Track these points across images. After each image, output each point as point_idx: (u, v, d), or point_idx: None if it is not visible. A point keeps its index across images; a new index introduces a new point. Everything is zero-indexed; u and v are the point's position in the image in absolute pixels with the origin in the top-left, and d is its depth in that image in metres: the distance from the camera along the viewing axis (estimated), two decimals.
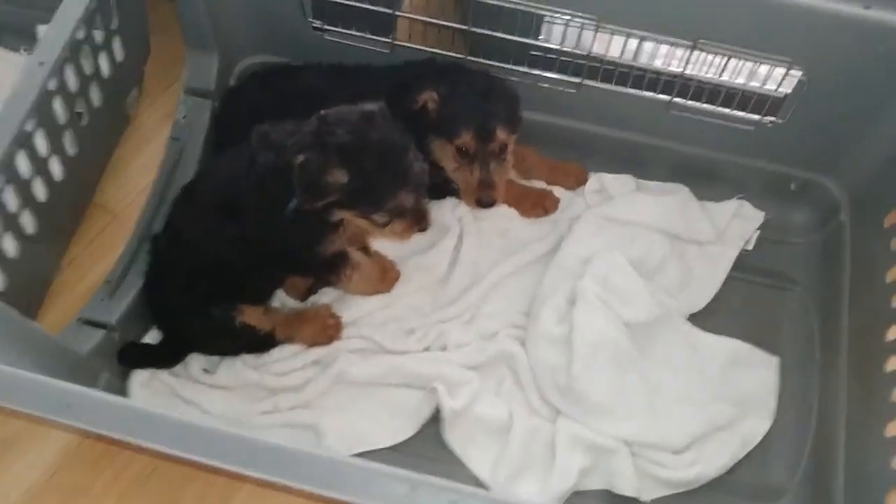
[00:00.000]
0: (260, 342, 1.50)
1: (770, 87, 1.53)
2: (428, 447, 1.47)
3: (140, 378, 1.48)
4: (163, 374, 1.50)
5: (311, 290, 1.59)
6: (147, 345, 1.49)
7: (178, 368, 1.51)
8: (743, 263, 1.67)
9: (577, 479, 1.42)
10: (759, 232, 1.70)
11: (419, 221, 1.37)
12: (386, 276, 1.59)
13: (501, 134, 1.52)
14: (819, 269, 1.66)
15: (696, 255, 1.67)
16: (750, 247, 1.70)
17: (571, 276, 1.58)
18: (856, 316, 1.53)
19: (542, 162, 1.72)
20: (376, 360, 1.51)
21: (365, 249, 1.63)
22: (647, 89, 1.60)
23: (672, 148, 1.69)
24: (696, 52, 1.49)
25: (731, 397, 1.52)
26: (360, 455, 1.45)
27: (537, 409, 1.50)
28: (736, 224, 1.70)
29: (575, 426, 1.46)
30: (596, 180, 1.71)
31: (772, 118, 1.58)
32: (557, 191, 1.72)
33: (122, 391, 1.45)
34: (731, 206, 1.71)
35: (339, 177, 1.24)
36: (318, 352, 1.52)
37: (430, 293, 1.61)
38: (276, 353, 1.52)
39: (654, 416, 1.47)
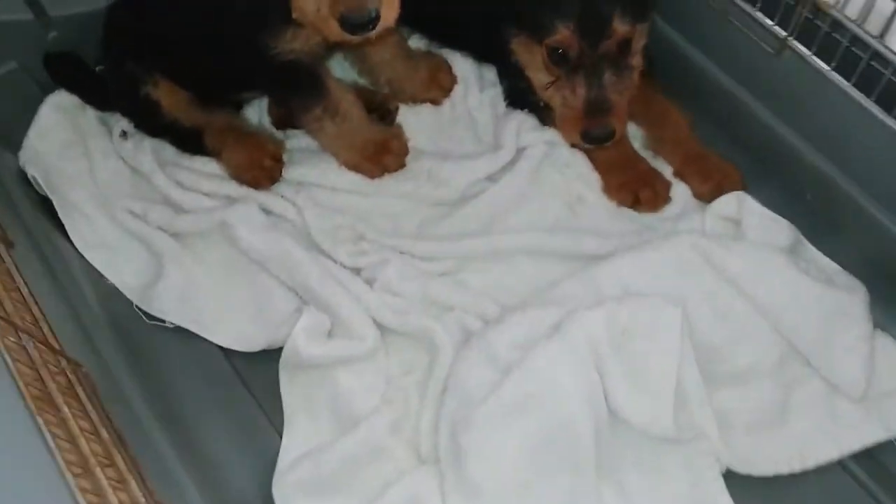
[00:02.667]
0: (182, 135, 1.15)
1: None
2: (262, 378, 1.03)
3: (59, 100, 1.20)
4: (91, 112, 1.21)
5: (290, 122, 1.17)
6: (85, 67, 1.19)
7: (109, 117, 1.21)
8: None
9: None
10: None
11: None
12: (381, 158, 1.13)
13: (621, 25, 0.97)
14: None
15: (817, 397, 0.97)
16: None
17: (591, 300, 0.99)
18: None
19: (685, 139, 1.11)
20: (279, 239, 1.07)
21: (386, 114, 1.17)
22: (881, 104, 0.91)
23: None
24: None
25: None
26: (184, 331, 1.05)
27: (422, 433, 0.98)
28: None
29: (425, 486, 0.92)
30: (735, 202, 1.05)
31: None
32: (680, 189, 1.10)
33: (24, 89, 1.18)
34: None
35: None
36: (236, 187, 1.13)
37: (423, 214, 1.12)
38: (198, 162, 1.16)
39: None
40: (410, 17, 1.20)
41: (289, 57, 0.99)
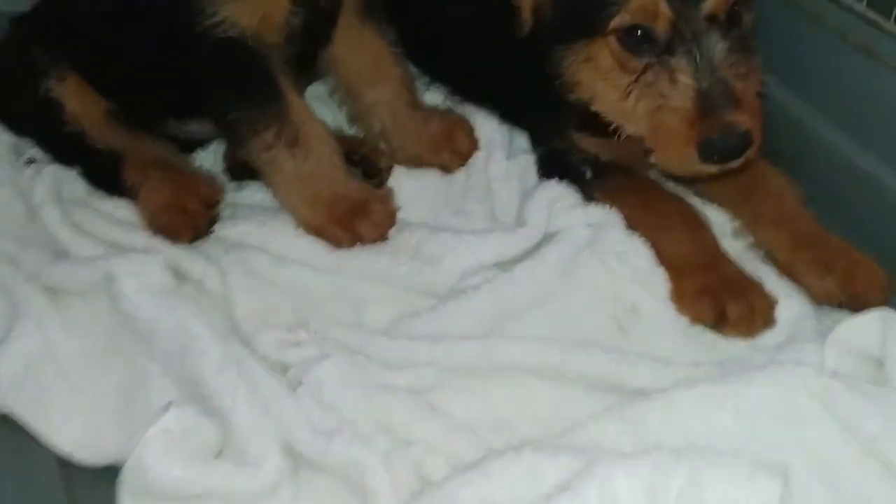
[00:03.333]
0: (92, 160, 0.86)
1: None
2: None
3: None
4: (5, 137, 0.94)
5: (247, 170, 0.86)
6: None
7: (26, 144, 0.93)
8: None
9: None
10: None
11: None
12: (355, 223, 0.80)
13: None
14: None
15: None
16: None
17: (631, 447, 0.60)
18: None
19: (794, 215, 0.76)
20: (176, 306, 0.73)
21: (374, 172, 0.86)
22: None
23: None
24: None
25: None
26: (11, 422, 0.70)
27: None
28: None
29: None
30: (878, 325, 0.66)
31: None
32: (788, 307, 0.72)
33: None
34: None
35: None
36: (146, 239, 0.81)
37: (398, 304, 0.77)
38: (109, 204, 0.86)
39: None
40: (426, 65, 0.95)
41: (229, 32, 0.70)
